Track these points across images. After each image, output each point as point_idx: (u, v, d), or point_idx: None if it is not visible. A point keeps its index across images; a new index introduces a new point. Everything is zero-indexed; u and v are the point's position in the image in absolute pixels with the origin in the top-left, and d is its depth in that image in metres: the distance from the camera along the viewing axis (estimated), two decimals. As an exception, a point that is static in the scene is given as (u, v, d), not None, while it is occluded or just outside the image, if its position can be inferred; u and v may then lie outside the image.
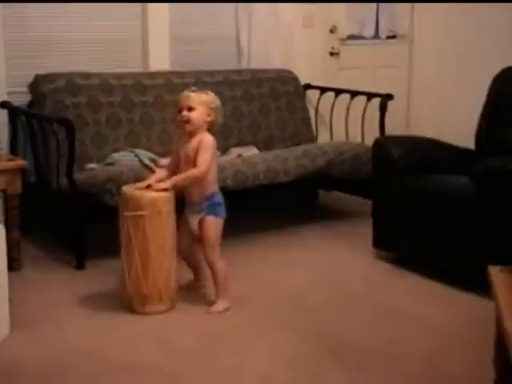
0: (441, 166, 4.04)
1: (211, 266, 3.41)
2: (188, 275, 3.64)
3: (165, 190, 3.29)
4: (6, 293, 3.12)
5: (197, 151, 3.30)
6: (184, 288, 3.56)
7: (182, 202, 3.42)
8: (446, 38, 5.80)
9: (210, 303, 3.43)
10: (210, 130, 3.38)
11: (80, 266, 3.87)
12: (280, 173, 4.30)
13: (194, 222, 3.39)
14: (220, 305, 3.40)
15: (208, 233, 3.36)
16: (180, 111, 3.34)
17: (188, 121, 3.31)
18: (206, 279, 3.58)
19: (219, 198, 3.40)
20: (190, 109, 3.31)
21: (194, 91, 3.38)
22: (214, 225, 3.37)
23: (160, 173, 3.44)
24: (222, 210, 3.40)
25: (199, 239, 3.43)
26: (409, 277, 3.82)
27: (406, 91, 6.07)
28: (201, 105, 3.31)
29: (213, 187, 3.38)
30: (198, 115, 3.31)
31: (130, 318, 3.30)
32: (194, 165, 3.30)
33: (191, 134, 3.33)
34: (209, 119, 3.34)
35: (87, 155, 4.25)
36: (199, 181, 3.32)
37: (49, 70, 4.35)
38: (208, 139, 3.32)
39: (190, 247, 3.51)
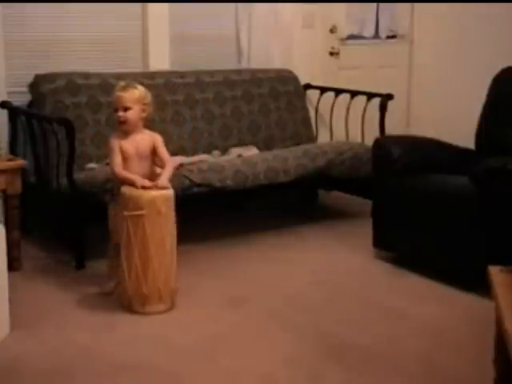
0: (441, 165, 4.04)
1: None
2: (188, 274, 3.64)
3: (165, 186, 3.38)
4: (5, 293, 3.12)
5: (154, 148, 3.47)
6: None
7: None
8: (446, 38, 5.80)
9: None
10: (145, 124, 3.53)
11: (80, 265, 3.87)
12: (280, 173, 4.30)
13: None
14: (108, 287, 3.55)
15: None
16: (116, 111, 3.45)
17: (125, 121, 3.43)
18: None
19: None
20: (126, 109, 3.41)
21: (125, 89, 3.45)
22: None
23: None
24: None
25: None
26: (409, 277, 3.82)
27: (406, 91, 6.07)
28: (136, 103, 3.44)
29: None
30: (134, 114, 3.44)
31: (130, 318, 3.30)
32: (153, 160, 3.50)
33: (129, 132, 3.46)
34: (144, 115, 3.48)
35: (87, 155, 4.25)
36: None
37: (49, 70, 4.35)
38: (160, 137, 3.53)
39: None
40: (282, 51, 5.29)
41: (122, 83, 3.53)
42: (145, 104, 3.47)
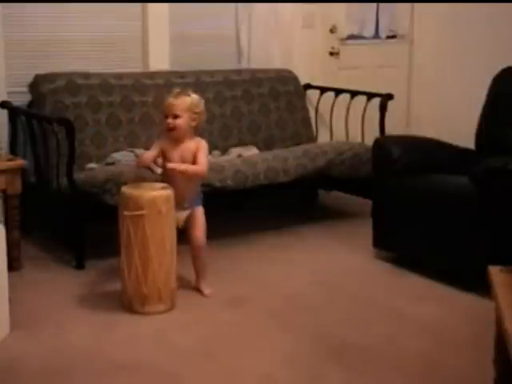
0: (441, 165, 4.04)
1: (201, 248, 3.57)
2: (188, 274, 3.64)
3: (177, 169, 3.41)
4: (6, 293, 3.12)
5: (195, 154, 3.45)
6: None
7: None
8: (446, 38, 5.80)
9: (196, 288, 3.58)
10: (195, 132, 3.52)
11: (80, 266, 3.87)
12: (280, 173, 4.30)
13: (181, 217, 3.48)
14: (208, 288, 3.57)
15: (201, 219, 3.54)
16: (166, 117, 3.45)
17: (174, 128, 3.43)
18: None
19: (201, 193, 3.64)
20: (176, 116, 3.41)
21: (177, 96, 3.45)
22: (203, 212, 3.57)
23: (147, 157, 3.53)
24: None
25: (186, 231, 3.54)
26: (409, 277, 3.82)
27: (406, 91, 6.07)
28: (186, 112, 3.43)
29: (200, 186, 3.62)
30: (184, 122, 3.43)
31: (130, 318, 3.30)
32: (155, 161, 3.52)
33: (178, 139, 3.46)
34: (194, 124, 3.47)
35: (87, 155, 4.25)
36: (200, 178, 3.53)
37: (49, 70, 4.36)
38: (204, 144, 3.51)
39: None
40: (282, 51, 5.29)
41: (177, 90, 3.52)
42: (196, 113, 3.45)
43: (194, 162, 3.46)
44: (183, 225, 3.52)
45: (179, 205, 3.44)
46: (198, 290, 3.59)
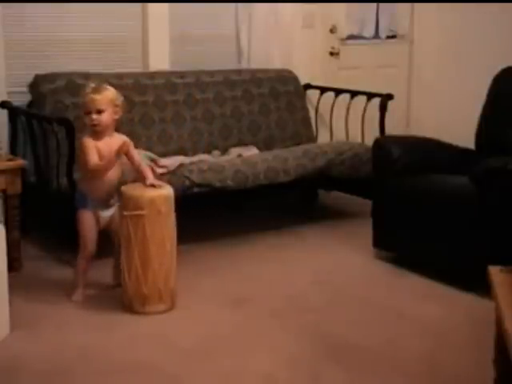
0: (441, 166, 4.04)
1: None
2: (188, 274, 3.64)
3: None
4: (5, 293, 3.12)
5: (121, 151, 3.39)
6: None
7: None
8: (446, 38, 5.80)
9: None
10: (116, 127, 3.52)
11: (80, 265, 3.86)
12: (280, 173, 4.30)
13: (105, 216, 3.49)
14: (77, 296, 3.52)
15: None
16: (88, 113, 3.40)
17: (98, 124, 3.39)
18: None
19: None
20: (99, 111, 3.38)
21: (98, 91, 3.40)
22: None
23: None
24: None
25: (111, 230, 3.53)
26: (409, 277, 3.82)
27: (406, 91, 6.07)
28: (109, 106, 3.40)
29: None
30: (108, 117, 3.41)
31: (130, 318, 3.30)
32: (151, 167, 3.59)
33: (101, 134, 3.42)
34: (116, 117, 3.46)
35: (87, 155, 4.24)
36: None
37: (49, 70, 4.35)
38: (128, 139, 3.47)
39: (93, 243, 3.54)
40: (281, 51, 5.29)
41: (93, 85, 3.49)
42: (116, 105, 3.44)
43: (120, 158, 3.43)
44: (105, 224, 3.51)
45: (105, 203, 3.46)
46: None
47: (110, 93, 3.43)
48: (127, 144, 3.42)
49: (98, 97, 3.39)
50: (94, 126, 3.40)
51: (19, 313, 3.24)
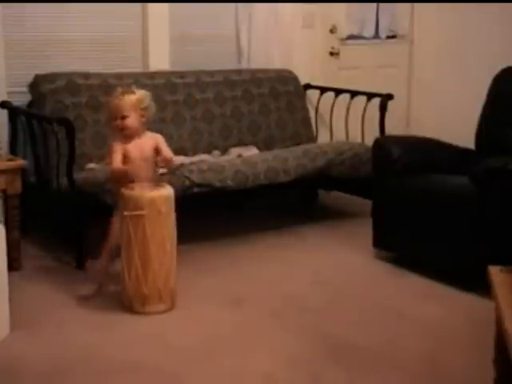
0: (441, 166, 4.04)
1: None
2: (188, 274, 3.64)
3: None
4: (6, 293, 3.12)
5: (155, 147, 3.48)
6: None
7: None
8: (446, 38, 5.80)
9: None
10: (148, 126, 3.55)
11: (80, 266, 3.86)
12: (280, 173, 4.30)
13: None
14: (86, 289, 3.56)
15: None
16: (114, 118, 3.45)
17: (124, 128, 3.43)
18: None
19: None
20: (123, 117, 3.42)
21: (121, 96, 3.44)
22: None
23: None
24: None
25: None
26: (409, 277, 3.82)
27: (406, 91, 6.07)
28: (132, 110, 3.43)
29: None
30: (133, 121, 3.44)
31: (130, 318, 3.30)
32: (155, 162, 3.51)
33: (131, 137, 3.45)
34: (143, 119, 3.48)
35: (87, 155, 4.25)
36: (171, 165, 3.61)
37: (49, 70, 4.35)
38: (160, 136, 3.54)
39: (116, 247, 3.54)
40: (281, 51, 5.29)
41: (119, 90, 3.51)
42: (142, 109, 3.46)
43: (155, 157, 3.48)
44: None
45: None
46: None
47: (133, 97, 3.45)
48: (157, 139, 3.49)
49: (120, 102, 3.43)
50: (121, 130, 3.44)
51: (19, 313, 3.24)
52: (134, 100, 3.44)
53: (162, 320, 3.30)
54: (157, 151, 3.49)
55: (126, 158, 3.45)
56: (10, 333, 3.11)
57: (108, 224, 3.53)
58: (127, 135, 3.46)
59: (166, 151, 3.49)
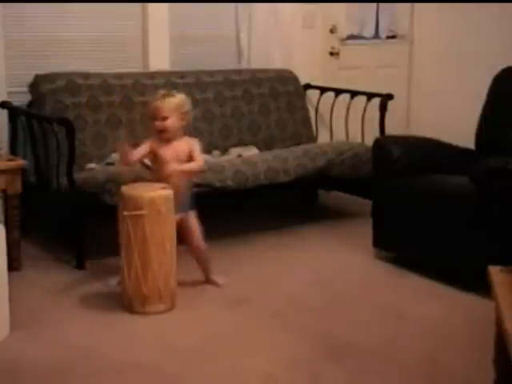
0: (441, 166, 4.04)
1: (203, 253, 3.66)
2: (188, 274, 3.64)
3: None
4: (6, 293, 3.12)
5: (189, 153, 3.50)
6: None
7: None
8: (446, 38, 5.80)
9: (210, 282, 3.66)
10: (184, 131, 3.56)
11: (80, 266, 3.86)
12: (280, 173, 4.30)
13: (176, 217, 3.49)
14: (220, 278, 3.66)
15: (196, 225, 3.58)
16: (154, 120, 3.48)
17: (164, 130, 3.46)
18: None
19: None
20: (164, 118, 3.44)
21: (163, 98, 3.47)
22: (196, 217, 3.59)
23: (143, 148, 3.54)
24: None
25: (181, 235, 3.54)
26: (409, 277, 3.82)
27: (406, 91, 6.07)
28: (173, 112, 3.47)
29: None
30: (173, 123, 3.47)
31: (130, 318, 3.30)
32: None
33: (169, 140, 3.49)
34: (183, 123, 3.51)
35: (87, 155, 4.25)
36: (197, 174, 3.59)
37: (49, 70, 4.35)
38: (197, 142, 3.56)
39: None
40: (281, 51, 5.29)
41: (162, 92, 3.56)
42: (183, 113, 3.49)
43: (189, 161, 3.51)
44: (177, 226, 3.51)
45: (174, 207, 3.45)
46: (211, 283, 3.66)
47: (175, 100, 3.49)
48: (192, 144, 3.51)
49: (162, 104, 3.46)
50: (160, 132, 3.47)
51: (19, 313, 3.24)
52: (175, 103, 3.48)
53: (162, 320, 3.30)
54: (190, 156, 3.51)
55: (159, 159, 3.49)
56: (10, 333, 3.11)
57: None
58: (165, 138, 3.48)
59: (196, 156, 3.50)
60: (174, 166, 3.45)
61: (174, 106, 3.47)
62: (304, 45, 5.37)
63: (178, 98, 3.52)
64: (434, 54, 5.91)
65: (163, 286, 3.33)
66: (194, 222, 3.56)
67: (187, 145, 3.52)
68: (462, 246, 3.61)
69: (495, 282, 2.40)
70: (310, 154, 4.47)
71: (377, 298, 3.56)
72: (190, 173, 3.55)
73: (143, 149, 3.51)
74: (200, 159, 3.53)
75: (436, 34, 5.87)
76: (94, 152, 4.29)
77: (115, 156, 4.24)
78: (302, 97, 5.24)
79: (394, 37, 6.02)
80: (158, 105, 3.48)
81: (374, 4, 5.80)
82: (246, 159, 4.36)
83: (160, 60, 4.85)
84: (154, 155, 3.52)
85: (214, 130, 4.77)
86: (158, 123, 3.47)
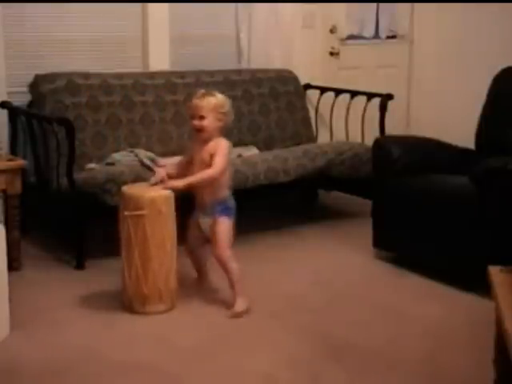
0: (441, 166, 4.04)
1: (224, 265, 3.45)
2: (188, 274, 3.64)
3: (176, 188, 3.34)
4: (6, 293, 3.12)
5: (213, 155, 3.37)
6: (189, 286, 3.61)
7: (186, 202, 3.43)
8: (446, 38, 5.80)
9: (229, 306, 3.40)
10: (222, 132, 3.46)
11: (80, 266, 3.87)
12: (280, 173, 4.30)
13: (205, 223, 3.45)
14: (239, 305, 3.38)
15: (221, 233, 3.41)
16: (192, 118, 3.41)
17: (201, 129, 3.38)
18: (210, 283, 3.64)
19: (232, 203, 3.48)
20: (202, 117, 3.37)
21: (202, 97, 3.40)
22: (226, 225, 3.43)
23: (161, 172, 3.46)
24: (233, 214, 3.48)
25: (208, 240, 3.47)
26: (409, 277, 3.82)
27: (406, 91, 6.07)
28: (211, 112, 3.38)
29: (226, 191, 3.46)
30: (210, 123, 3.38)
31: (130, 318, 3.30)
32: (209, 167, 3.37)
33: (205, 140, 3.40)
34: (221, 124, 3.42)
35: (87, 155, 4.25)
36: (213, 181, 3.38)
37: (49, 70, 4.35)
38: (224, 144, 3.41)
39: (197, 248, 3.57)
40: (282, 51, 5.29)
41: (202, 91, 3.48)
42: (221, 113, 3.41)
43: (211, 164, 3.37)
44: (207, 232, 3.47)
45: (201, 209, 3.44)
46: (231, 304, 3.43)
47: (214, 100, 3.40)
48: (217, 146, 3.39)
49: (200, 103, 3.39)
50: (198, 130, 3.41)
51: (19, 313, 3.24)
52: (213, 103, 3.40)
53: (162, 320, 3.30)
54: (211, 158, 3.38)
55: (191, 160, 3.46)
56: (9, 333, 3.11)
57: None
58: (203, 138, 3.40)
59: (215, 160, 3.35)
60: (195, 171, 3.38)
61: (212, 105, 3.38)
62: (304, 45, 5.37)
63: (218, 98, 3.42)
64: (433, 54, 5.91)
65: (163, 286, 3.33)
66: (221, 229, 3.40)
67: (214, 147, 3.38)
68: (462, 246, 3.61)
69: (495, 282, 2.40)
70: (310, 154, 4.48)
71: (377, 298, 3.56)
72: (193, 184, 3.38)
73: (184, 157, 3.52)
74: (217, 165, 3.34)
75: (436, 34, 5.87)
76: (94, 152, 4.29)
77: (115, 156, 4.24)
78: (302, 97, 5.24)
79: (393, 37, 6.02)
80: (196, 103, 3.41)
81: (374, 4, 5.80)
82: (245, 159, 4.36)
83: (160, 60, 4.85)
84: (191, 159, 3.47)
85: (214, 129, 4.76)
86: (196, 122, 3.39)
